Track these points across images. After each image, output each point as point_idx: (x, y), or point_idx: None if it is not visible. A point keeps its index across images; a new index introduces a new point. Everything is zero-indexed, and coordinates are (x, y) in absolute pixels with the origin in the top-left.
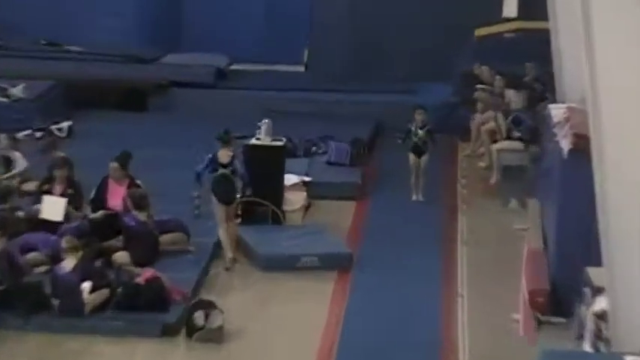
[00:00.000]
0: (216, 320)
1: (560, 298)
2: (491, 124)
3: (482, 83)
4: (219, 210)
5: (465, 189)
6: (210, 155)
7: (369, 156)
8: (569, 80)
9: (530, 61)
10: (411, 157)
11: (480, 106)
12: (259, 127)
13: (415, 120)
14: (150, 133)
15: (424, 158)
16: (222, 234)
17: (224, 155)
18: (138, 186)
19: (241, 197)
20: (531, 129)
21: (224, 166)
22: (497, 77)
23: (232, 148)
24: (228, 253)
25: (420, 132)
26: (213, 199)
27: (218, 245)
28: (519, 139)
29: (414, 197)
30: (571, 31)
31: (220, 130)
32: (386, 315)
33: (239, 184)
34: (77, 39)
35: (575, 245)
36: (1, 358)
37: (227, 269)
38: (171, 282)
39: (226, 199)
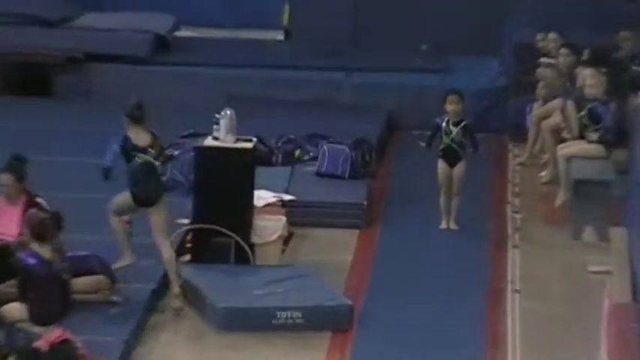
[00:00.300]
0: None
1: None
2: (557, 119)
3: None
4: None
5: (518, 213)
6: (118, 142)
7: (379, 164)
8: None
9: (625, 29)
10: (441, 165)
11: (541, 90)
12: (217, 122)
13: (447, 112)
14: (57, 128)
15: (459, 168)
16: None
17: (140, 136)
18: (40, 206)
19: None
20: (616, 127)
21: (142, 150)
22: (564, 50)
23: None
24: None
25: (454, 130)
26: (128, 197)
27: (158, 293)
28: (599, 141)
29: (443, 225)
30: None
31: (132, 104)
32: None
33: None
34: None
35: None
36: None
37: (176, 310)
38: (87, 348)
39: (146, 198)
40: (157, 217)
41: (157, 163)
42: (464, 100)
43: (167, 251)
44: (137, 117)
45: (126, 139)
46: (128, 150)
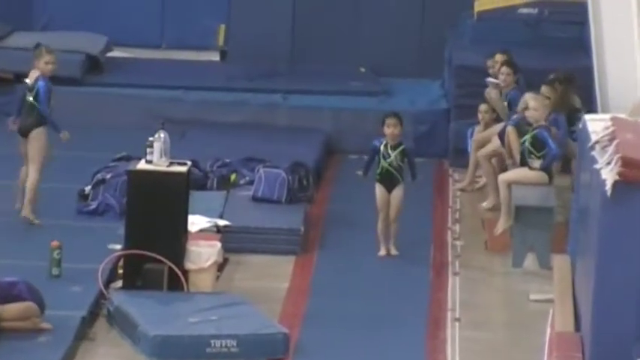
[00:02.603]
0: None
1: None
2: (495, 144)
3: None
4: (19, 144)
5: (459, 240)
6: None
7: (316, 189)
8: (615, 79)
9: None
10: (379, 190)
11: (485, 115)
12: (150, 145)
13: (385, 135)
14: None
15: (397, 192)
16: (21, 174)
17: (31, 75)
18: None
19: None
20: (559, 153)
21: (29, 88)
22: (504, 69)
23: (42, 66)
24: (16, 201)
25: (392, 153)
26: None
27: (88, 321)
28: (542, 169)
29: (382, 252)
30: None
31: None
32: None
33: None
34: None
35: (623, 324)
36: None
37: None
38: None
39: (19, 129)
40: (31, 145)
41: (32, 101)
42: (402, 124)
43: (33, 177)
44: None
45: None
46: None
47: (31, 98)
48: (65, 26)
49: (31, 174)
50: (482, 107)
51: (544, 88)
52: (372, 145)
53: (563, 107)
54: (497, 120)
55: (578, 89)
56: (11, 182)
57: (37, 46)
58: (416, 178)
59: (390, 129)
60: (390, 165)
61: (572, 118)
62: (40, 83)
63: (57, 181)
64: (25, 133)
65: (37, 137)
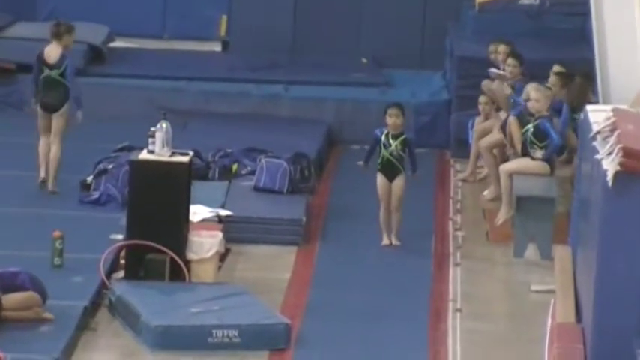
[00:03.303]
0: None
1: None
2: (496, 136)
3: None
4: (40, 119)
5: (460, 230)
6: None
7: (318, 179)
8: (616, 70)
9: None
10: (380, 180)
11: (485, 106)
12: (152, 135)
13: (387, 125)
14: None
15: (398, 182)
16: (41, 149)
17: (50, 52)
18: None
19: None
20: (561, 144)
21: (50, 66)
22: (510, 61)
23: (67, 42)
24: (41, 172)
25: (393, 143)
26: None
27: (90, 310)
28: (544, 159)
29: (385, 241)
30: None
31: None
32: None
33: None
34: None
35: (624, 315)
36: None
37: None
38: None
39: (46, 105)
40: (58, 121)
41: (59, 77)
42: (405, 114)
43: (56, 149)
44: (54, 33)
45: (39, 54)
46: (39, 64)
47: (56, 75)
48: (68, 16)
49: (56, 148)
50: (482, 99)
51: (552, 79)
52: (373, 134)
53: (580, 102)
54: (498, 111)
55: (594, 86)
56: (14, 173)
57: (58, 24)
58: (416, 171)
59: (393, 119)
60: (390, 154)
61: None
62: (68, 60)
63: (59, 171)
64: (52, 109)
65: (64, 113)
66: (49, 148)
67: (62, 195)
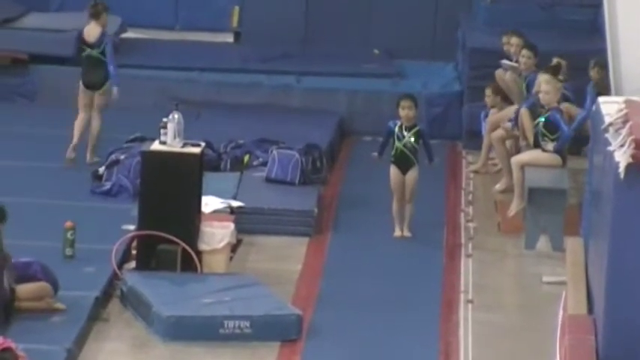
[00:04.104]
0: None
1: None
2: (506, 125)
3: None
4: (81, 95)
5: (471, 222)
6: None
7: (329, 170)
8: (629, 62)
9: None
10: (393, 171)
11: (492, 97)
12: (164, 126)
13: (400, 117)
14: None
15: (411, 174)
16: (77, 123)
17: (90, 31)
18: None
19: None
20: (572, 136)
21: (91, 45)
22: (525, 52)
23: (105, 22)
24: (74, 139)
25: (407, 135)
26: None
27: (102, 301)
28: (555, 151)
29: (397, 232)
30: None
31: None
32: None
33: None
34: None
35: (636, 307)
36: None
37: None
38: (29, 356)
39: (87, 82)
40: (99, 97)
41: (99, 56)
42: (417, 105)
43: (96, 124)
44: (92, 14)
45: (80, 34)
46: (79, 43)
47: (97, 54)
48: (80, 7)
49: (96, 122)
50: (487, 91)
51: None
52: (386, 126)
53: (603, 89)
54: (507, 101)
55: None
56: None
57: (95, 4)
58: (433, 160)
59: (405, 111)
60: (404, 146)
61: None
62: (108, 39)
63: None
64: (94, 86)
65: (105, 91)
66: (85, 124)
67: (74, 185)
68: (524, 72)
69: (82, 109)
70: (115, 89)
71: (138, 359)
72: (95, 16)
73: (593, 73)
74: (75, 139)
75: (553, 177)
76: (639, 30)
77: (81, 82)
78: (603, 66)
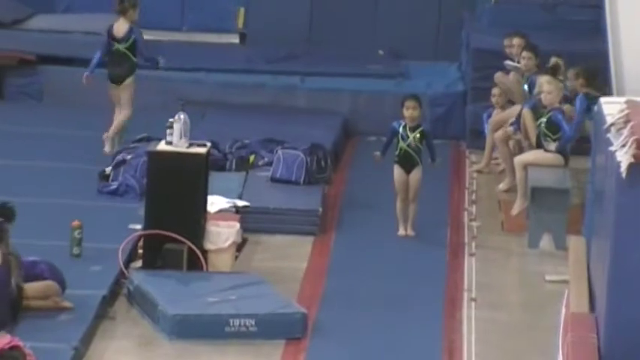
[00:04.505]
0: None
1: None
2: (508, 129)
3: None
4: (110, 90)
5: (475, 221)
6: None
7: (334, 170)
8: (630, 63)
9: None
10: (397, 171)
11: (499, 98)
12: (170, 126)
13: (404, 117)
14: (7, 130)
15: (415, 174)
16: (115, 115)
17: (118, 27)
18: None
19: None
20: (573, 137)
21: (118, 40)
22: (526, 53)
23: (133, 17)
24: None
25: (411, 135)
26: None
27: (108, 300)
28: (557, 151)
29: (400, 231)
30: None
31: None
32: None
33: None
34: None
35: (637, 305)
36: None
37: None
38: (36, 355)
39: (113, 77)
40: (124, 91)
41: (125, 51)
42: (421, 106)
43: (123, 115)
44: (120, 10)
45: (109, 30)
46: (109, 38)
47: (123, 48)
48: (86, 9)
49: (123, 114)
50: (495, 91)
51: (570, 72)
52: (390, 126)
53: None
54: (511, 102)
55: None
56: (33, 163)
57: (122, 1)
58: (435, 160)
59: (409, 111)
60: (408, 146)
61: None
62: (135, 33)
63: (78, 161)
64: (118, 80)
65: (131, 84)
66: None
67: (81, 185)
68: (526, 73)
69: (114, 102)
70: (160, 60)
71: (144, 357)
72: (123, 12)
73: (578, 85)
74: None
75: (556, 177)
76: None
77: (108, 77)
78: (589, 75)
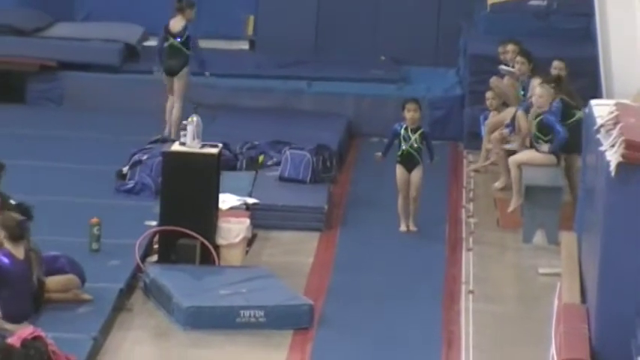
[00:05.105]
0: None
1: None
2: (504, 131)
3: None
4: (165, 81)
5: (472, 217)
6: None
7: (339, 170)
8: (619, 67)
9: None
10: (399, 170)
11: (493, 101)
12: (184, 128)
13: (405, 120)
14: (30, 133)
15: (416, 173)
16: (167, 105)
17: (175, 23)
18: (15, 208)
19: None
20: (566, 138)
21: (174, 35)
22: (519, 58)
23: (189, 16)
24: (165, 129)
25: (412, 136)
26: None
27: (126, 293)
28: (549, 152)
29: (402, 227)
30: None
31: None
32: None
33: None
34: None
35: (626, 297)
36: None
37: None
38: (57, 344)
39: (168, 69)
40: (179, 82)
41: (180, 45)
42: (421, 109)
43: (177, 109)
44: (177, 7)
45: (166, 25)
46: (165, 33)
47: (178, 43)
48: (104, 17)
49: (176, 110)
50: (489, 94)
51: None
52: (392, 128)
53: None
54: (504, 104)
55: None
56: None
57: (181, 0)
58: (434, 159)
59: (411, 113)
60: (410, 147)
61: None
62: (189, 31)
63: (96, 162)
64: (173, 72)
65: (184, 76)
66: (171, 106)
67: (99, 184)
68: (521, 77)
69: (168, 92)
70: (207, 74)
71: (160, 347)
72: (180, 10)
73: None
74: (166, 128)
75: (549, 175)
76: (629, 37)
77: (163, 69)
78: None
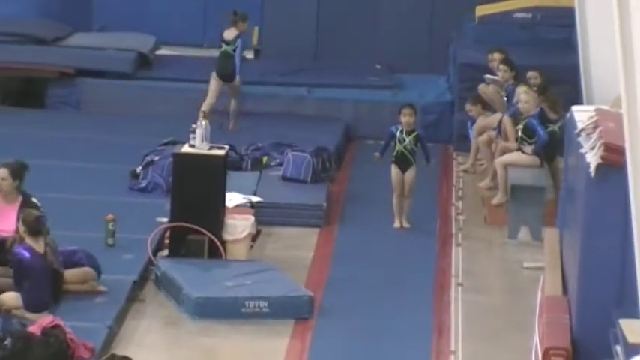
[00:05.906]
0: None
1: (584, 358)
2: (491, 134)
3: (492, 74)
4: (212, 81)
5: (461, 215)
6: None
7: (337, 170)
8: (598, 75)
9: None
10: (394, 170)
11: (472, 111)
12: (193, 131)
13: (401, 123)
14: (49, 135)
15: (410, 173)
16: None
17: (228, 33)
18: (35, 206)
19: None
20: (548, 141)
21: (227, 42)
22: (502, 66)
23: (242, 28)
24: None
25: (407, 138)
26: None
27: (138, 284)
28: (533, 153)
29: (396, 224)
30: (602, 11)
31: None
32: None
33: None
34: None
35: (605, 289)
36: None
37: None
38: (75, 333)
39: (219, 73)
40: (231, 85)
41: (230, 51)
42: (416, 113)
43: (234, 105)
44: (231, 20)
45: (221, 34)
46: (220, 40)
47: (229, 50)
48: (119, 28)
49: (235, 104)
50: (467, 106)
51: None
52: (389, 131)
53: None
54: (489, 109)
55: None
56: (72, 164)
57: (235, 13)
58: (430, 160)
59: (406, 117)
60: (404, 148)
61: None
62: (241, 41)
63: (111, 162)
64: (226, 78)
65: (238, 81)
66: (210, 103)
67: (114, 183)
68: (504, 84)
69: (210, 93)
70: (237, 77)
71: (170, 335)
72: (234, 23)
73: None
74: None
75: (533, 176)
76: (607, 48)
77: (214, 71)
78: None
